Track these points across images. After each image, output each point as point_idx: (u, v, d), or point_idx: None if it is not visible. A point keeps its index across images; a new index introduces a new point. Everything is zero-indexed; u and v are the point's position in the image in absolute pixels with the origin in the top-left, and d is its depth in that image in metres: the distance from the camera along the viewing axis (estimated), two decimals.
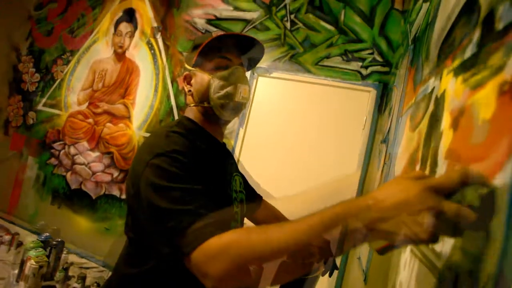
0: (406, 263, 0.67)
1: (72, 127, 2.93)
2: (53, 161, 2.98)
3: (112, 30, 2.94)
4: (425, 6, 1.13)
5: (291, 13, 2.37)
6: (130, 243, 0.74)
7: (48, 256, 1.25)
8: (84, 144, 2.85)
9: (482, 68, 0.47)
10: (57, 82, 3.14)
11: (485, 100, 0.43)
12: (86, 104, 2.92)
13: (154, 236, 0.57)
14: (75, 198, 2.81)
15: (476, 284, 0.35)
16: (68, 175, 2.88)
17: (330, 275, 1.04)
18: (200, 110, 0.79)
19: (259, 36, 2.42)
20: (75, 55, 3.10)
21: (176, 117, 2.58)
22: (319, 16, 2.30)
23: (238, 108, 0.78)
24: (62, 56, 3.18)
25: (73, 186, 2.84)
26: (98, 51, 2.98)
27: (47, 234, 1.43)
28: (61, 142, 2.97)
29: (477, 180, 0.37)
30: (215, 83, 0.75)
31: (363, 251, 1.37)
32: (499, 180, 0.35)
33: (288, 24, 2.37)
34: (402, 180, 0.41)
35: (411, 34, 1.38)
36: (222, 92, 0.75)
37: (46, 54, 3.27)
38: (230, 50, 0.78)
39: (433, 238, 0.36)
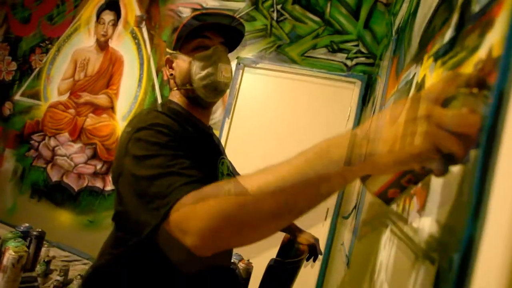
0: (386, 243, 0.69)
1: (53, 118, 2.84)
2: (32, 153, 2.89)
3: (94, 18, 2.85)
4: None
5: (277, 3, 2.36)
6: (117, 228, 0.73)
7: (28, 247, 1.22)
8: (65, 135, 2.77)
9: (459, 50, 0.48)
10: (35, 72, 3.02)
11: None
12: (67, 94, 2.83)
13: (138, 210, 0.55)
14: (57, 191, 2.74)
15: (447, 252, 0.37)
16: (49, 167, 2.79)
17: (314, 260, 1.07)
18: (184, 93, 0.78)
19: (245, 27, 2.40)
20: (55, 43, 2.99)
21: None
22: (305, 8, 2.30)
23: (221, 88, 0.77)
24: (41, 44, 3.06)
25: (54, 179, 2.76)
26: (80, 39, 2.88)
27: (27, 225, 1.39)
28: (41, 134, 2.88)
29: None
30: (196, 64, 0.74)
31: (346, 237, 1.41)
32: (471, 153, 0.36)
33: (274, 15, 2.37)
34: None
35: (395, 25, 1.41)
36: (203, 73, 0.74)
37: (23, 42, 3.14)
38: (209, 29, 0.76)
39: (436, 150, 0.30)
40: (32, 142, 2.90)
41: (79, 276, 2.12)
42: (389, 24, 1.77)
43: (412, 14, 1.00)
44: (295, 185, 0.40)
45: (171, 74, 0.79)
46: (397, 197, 0.37)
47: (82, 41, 2.88)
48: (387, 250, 0.67)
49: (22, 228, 1.35)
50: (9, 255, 1.00)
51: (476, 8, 0.45)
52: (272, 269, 0.86)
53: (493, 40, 0.38)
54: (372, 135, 0.34)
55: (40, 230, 1.40)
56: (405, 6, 1.23)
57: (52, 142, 2.81)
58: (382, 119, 0.35)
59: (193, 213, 0.47)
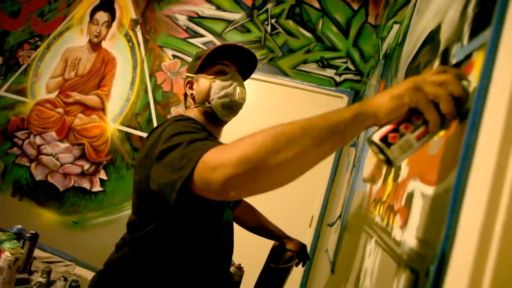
0: (371, 252, 0.78)
1: (39, 116, 2.79)
2: (15, 150, 2.82)
3: (87, 18, 2.84)
4: (396, 27, 1.27)
5: (272, 17, 2.46)
6: (136, 229, 0.78)
7: (21, 249, 1.23)
8: (52, 134, 2.73)
9: None
10: (23, 67, 2.97)
11: None
12: (56, 93, 2.80)
13: (171, 172, 0.55)
14: (40, 190, 2.69)
15: (425, 263, 0.46)
16: (33, 166, 2.74)
17: (303, 265, 1.15)
18: (201, 110, 0.86)
19: (240, 38, 2.48)
20: (45, 40, 2.95)
21: (153, 112, 2.57)
22: (298, 23, 2.41)
23: (236, 107, 0.87)
24: (30, 40, 3.01)
25: (38, 178, 2.71)
26: (71, 38, 2.86)
27: (19, 226, 1.39)
28: (26, 131, 2.82)
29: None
30: (216, 85, 0.84)
31: (331, 244, 1.50)
32: (446, 182, 0.45)
33: (268, 28, 2.46)
34: None
35: (382, 49, 1.53)
36: (222, 93, 0.84)
37: (11, 36, 3.07)
38: (229, 58, 0.87)
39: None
40: (15, 139, 2.83)
41: (62, 278, 2.11)
42: (377, 45, 1.89)
43: (399, 45, 1.11)
44: (323, 125, 0.45)
45: (192, 94, 0.88)
46: (396, 141, 0.45)
47: (74, 40, 2.86)
48: (372, 259, 0.75)
49: (15, 229, 1.35)
50: (6, 256, 1.01)
51: (453, 61, 0.55)
52: (266, 274, 0.93)
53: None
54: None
55: (33, 232, 1.41)
56: (392, 34, 1.35)
57: (38, 140, 2.76)
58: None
59: (225, 148, 0.48)
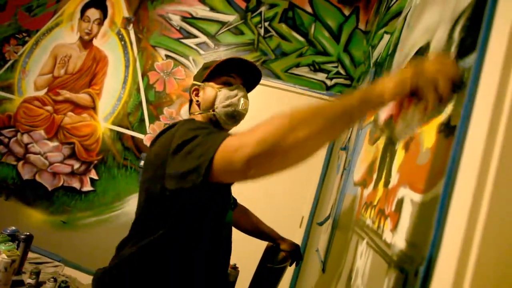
0: (363, 253, 0.83)
1: (27, 114, 2.74)
2: (1, 148, 2.76)
3: (78, 15, 2.80)
4: (386, 37, 1.33)
5: (265, 20, 2.49)
6: (140, 227, 0.80)
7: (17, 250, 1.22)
8: (41, 132, 2.68)
9: None
10: (9, 63, 2.89)
11: (429, 134, 0.59)
12: (45, 90, 2.75)
13: (192, 160, 0.58)
14: (28, 190, 2.64)
15: (414, 264, 0.50)
16: (20, 164, 2.69)
17: (296, 265, 1.19)
18: (205, 117, 0.90)
19: (233, 40, 2.51)
20: (33, 36, 2.88)
21: (145, 111, 2.57)
22: (291, 27, 2.45)
23: (239, 117, 0.91)
24: (17, 35, 2.94)
25: (26, 177, 2.66)
26: (61, 35, 2.81)
27: (13, 227, 1.38)
28: (12, 129, 2.76)
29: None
30: (222, 94, 0.89)
31: (321, 244, 1.55)
32: (434, 191, 0.50)
33: (262, 31, 2.49)
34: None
35: (373, 57, 1.59)
36: (227, 102, 0.88)
37: None
38: (235, 71, 0.92)
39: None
40: (1, 137, 2.77)
41: (52, 279, 2.09)
42: (367, 52, 1.96)
43: (390, 55, 1.17)
44: (332, 111, 0.52)
45: (197, 101, 0.92)
46: (399, 117, 0.53)
47: (64, 37, 2.81)
48: (363, 259, 0.80)
49: (8, 231, 1.34)
50: (2, 259, 1.01)
51: None
52: (261, 274, 0.96)
53: (451, 111, 0.52)
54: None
55: (28, 233, 1.40)
56: (383, 43, 1.41)
57: (25, 139, 2.71)
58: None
59: (245, 133, 0.53)
